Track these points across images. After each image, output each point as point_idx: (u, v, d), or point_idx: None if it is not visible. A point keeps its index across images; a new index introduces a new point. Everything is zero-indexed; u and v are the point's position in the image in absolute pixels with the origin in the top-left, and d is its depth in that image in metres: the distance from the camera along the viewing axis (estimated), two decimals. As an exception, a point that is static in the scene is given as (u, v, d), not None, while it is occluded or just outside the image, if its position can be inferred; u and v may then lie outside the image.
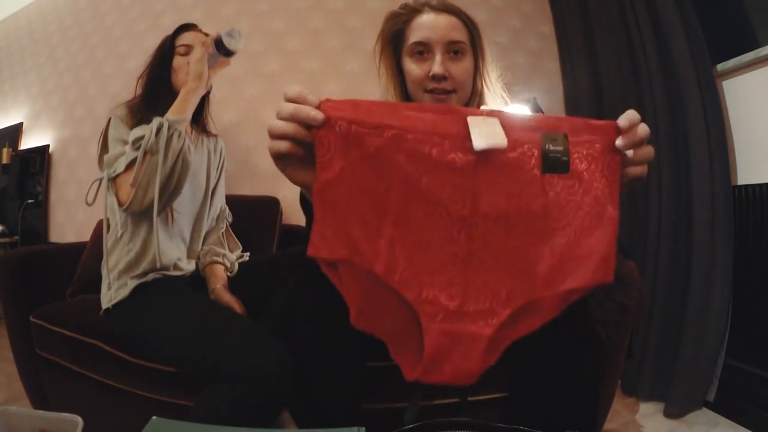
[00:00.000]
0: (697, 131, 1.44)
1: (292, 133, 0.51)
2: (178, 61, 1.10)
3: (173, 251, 1.04)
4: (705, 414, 1.41)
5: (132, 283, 0.94)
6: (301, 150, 0.52)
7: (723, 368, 1.42)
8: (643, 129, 0.53)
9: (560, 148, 0.51)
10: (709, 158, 1.42)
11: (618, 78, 1.74)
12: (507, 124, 0.52)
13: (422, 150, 0.51)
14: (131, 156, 0.90)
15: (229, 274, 1.11)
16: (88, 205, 0.95)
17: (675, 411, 1.40)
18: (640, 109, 1.69)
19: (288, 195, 1.83)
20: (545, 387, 0.78)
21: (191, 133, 1.14)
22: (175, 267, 1.04)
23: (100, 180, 0.95)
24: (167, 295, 0.94)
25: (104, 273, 0.99)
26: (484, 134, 0.50)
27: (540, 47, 2.07)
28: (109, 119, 1.03)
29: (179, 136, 0.91)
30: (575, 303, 0.75)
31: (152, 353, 0.92)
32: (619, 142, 0.52)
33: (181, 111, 0.96)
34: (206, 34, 1.14)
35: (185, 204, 1.08)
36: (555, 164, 0.51)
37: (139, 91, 1.11)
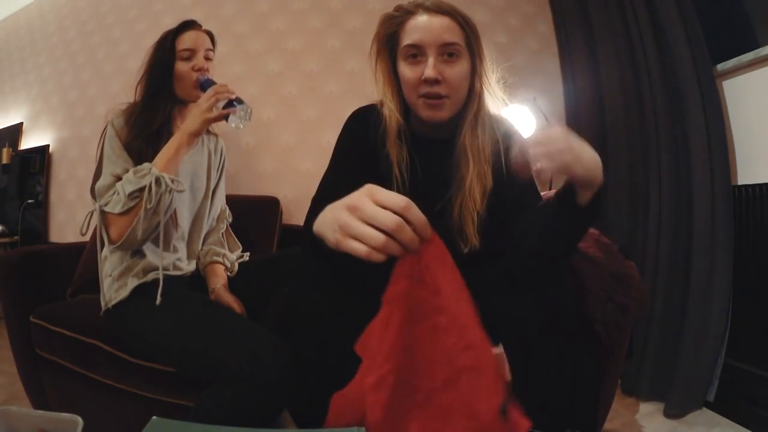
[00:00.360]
0: (697, 131, 1.44)
1: (393, 251, 0.51)
2: (180, 67, 1.05)
3: (170, 254, 1.04)
4: (705, 414, 1.41)
5: (132, 284, 0.94)
6: (381, 258, 0.51)
7: (723, 368, 1.42)
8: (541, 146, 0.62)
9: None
10: (709, 158, 1.42)
11: (618, 78, 1.74)
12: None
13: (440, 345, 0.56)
14: (127, 205, 0.90)
15: (229, 274, 1.11)
16: (82, 235, 1.00)
17: (675, 411, 1.40)
18: (640, 109, 1.69)
19: (288, 195, 1.84)
20: (545, 387, 0.78)
21: None
22: (175, 267, 1.04)
23: (92, 213, 0.96)
24: (167, 295, 0.94)
25: (103, 274, 0.99)
26: None
27: (540, 47, 2.08)
28: (106, 126, 1.02)
29: (170, 192, 0.93)
30: (575, 303, 0.75)
31: (152, 353, 0.92)
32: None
33: (172, 169, 0.94)
34: (208, 33, 1.12)
35: (185, 204, 1.08)
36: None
37: (138, 97, 1.07)
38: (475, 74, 0.88)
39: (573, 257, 0.97)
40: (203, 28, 1.13)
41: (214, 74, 1.13)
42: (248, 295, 1.04)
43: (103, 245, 0.96)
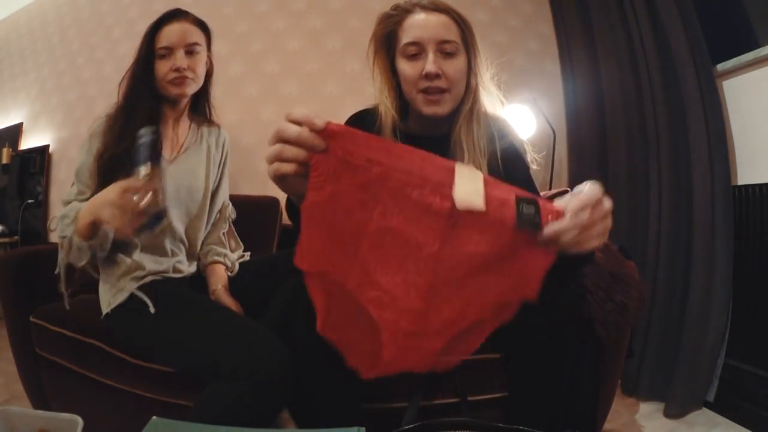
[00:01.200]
0: (697, 131, 1.44)
1: (301, 159, 0.52)
2: (159, 67, 1.00)
3: (169, 258, 1.02)
4: (705, 414, 1.41)
5: (130, 287, 0.94)
6: (303, 170, 0.53)
7: (723, 368, 1.42)
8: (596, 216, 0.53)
9: (533, 212, 0.55)
10: (709, 158, 1.42)
11: (618, 78, 1.74)
12: (487, 180, 0.56)
13: (404, 190, 0.55)
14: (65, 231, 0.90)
15: (229, 273, 1.11)
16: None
17: (675, 411, 1.40)
18: (640, 110, 1.69)
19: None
20: (545, 387, 0.78)
21: (189, 128, 1.11)
22: (175, 269, 1.03)
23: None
24: (166, 296, 0.93)
25: (102, 278, 0.99)
26: (467, 192, 0.54)
27: (540, 48, 2.07)
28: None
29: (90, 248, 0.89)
30: (575, 303, 0.75)
31: (151, 354, 0.92)
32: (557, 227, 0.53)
33: (93, 233, 0.87)
34: (198, 22, 1.05)
35: (181, 208, 1.06)
36: (528, 222, 0.54)
37: (120, 98, 1.02)
38: (470, 71, 0.89)
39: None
40: (192, 16, 1.05)
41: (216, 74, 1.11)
42: (248, 296, 1.04)
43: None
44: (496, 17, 2.05)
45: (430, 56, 0.83)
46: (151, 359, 0.93)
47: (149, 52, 0.99)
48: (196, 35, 1.03)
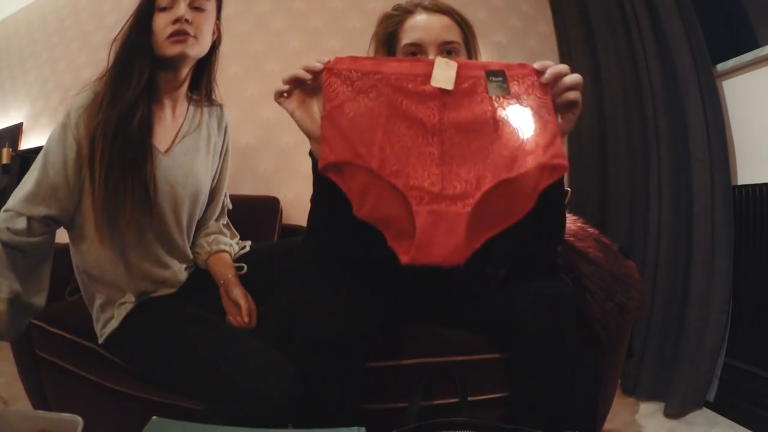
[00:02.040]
0: (697, 131, 1.44)
1: (299, 75, 0.72)
2: (156, 21, 0.85)
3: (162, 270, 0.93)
4: (705, 414, 1.41)
5: (119, 314, 0.86)
6: (308, 81, 0.73)
7: (723, 368, 1.42)
8: (561, 69, 0.69)
9: (500, 79, 0.70)
10: (709, 158, 1.42)
11: (618, 78, 1.74)
12: (462, 67, 0.71)
13: (402, 84, 0.70)
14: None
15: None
16: None
17: (675, 411, 1.40)
18: (640, 109, 1.69)
19: (288, 195, 1.83)
20: (545, 387, 0.78)
21: (187, 110, 0.97)
22: (168, 283, 0.93)
23: None
24: (161, 318, 0.87)
25: (87, 303, 0.92)
26: (440, 77, 0.70)
27: (540, 47, 2.07)
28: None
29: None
30: (575, 303, 0.75)
31: (153, 378, 0.89)
32: (544, 78, 0.69)
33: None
34: None
35: (178, 206, 0.92)
36: (497, 89, 0.70)
37: (112, 59, 0.86)
38: None
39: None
40: None
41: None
42: (249, 284, 0.97)
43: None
44: (496, 17, 2.05)
45: (431, 58, 0.83)
46: (153, 381, 0.90)
47: (149, 6, 0.85)
48: None
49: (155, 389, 0.94)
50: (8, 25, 2.99)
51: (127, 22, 0.88)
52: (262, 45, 2.00)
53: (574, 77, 0.69)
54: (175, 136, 0.93)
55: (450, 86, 0.69)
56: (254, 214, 1.55)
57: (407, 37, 0.85)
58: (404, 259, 0.67)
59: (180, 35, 0.84)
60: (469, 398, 0.88)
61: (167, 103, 0.92)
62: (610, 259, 0.99)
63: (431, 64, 0.71)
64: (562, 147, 0.68)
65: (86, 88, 0.86)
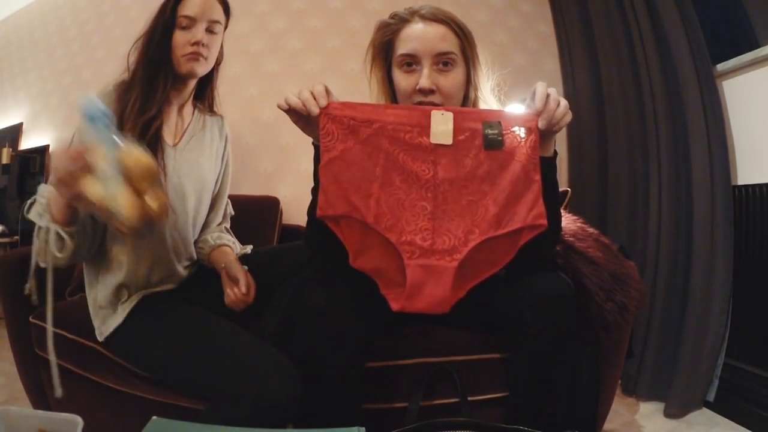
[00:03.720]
0: (697, 131, 1.44)
1: (299, 109, 0.73)
2: (176, 37, 0.91)
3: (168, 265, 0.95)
4: (705, 414, 1.41)
5: (122, 311, 0.88)
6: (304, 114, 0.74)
7: (723, 368, 1.42)
8: (554, 102, 0.74)
9: (496, 132, 0.72)
10: (709, 158, 1.42)
11: (618, 78, 1.74)
12: (458, 116, 0.74)
13: (399, 136, 0.73)
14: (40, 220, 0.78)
15: None
16: None
17: (675, 411, 1.40)
18: (640, 109, 1.69)
19: (288, 195, 1.83)
20: (545, 387, 0.78)
21: (192, 114, 1.03)
22: (174, 277, 0.97)
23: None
24: (162, 315, 0.88)
25: (89, 301, 0.93)
26: (438, 132, 0.73)
27: (539, 47, 2.07)
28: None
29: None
30: (575, 303, 0.75)
31: (154, 376, 0.89)
32: (540, 123, 0.74)
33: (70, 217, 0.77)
34: (224, 2, 1.00)
35: (187, 197, 0.97)
36: (493, 142, 0.72)
37: (134, 67, 0.92)
38: (469, 83, 0.88)
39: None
40: None
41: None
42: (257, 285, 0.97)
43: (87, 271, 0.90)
44: (496, 17, 2.05)
45: (425, 71, 0.81)
46: (154, 378, 0.90)
47: (170, 20, 0.91)
48: (218, 13, 0.97)
49: (155, 389, 0.94)
50: (8, 25, 2.99)
51: (146, 33, 0.93)
52: (262, 45, 2.00)
53: (563, 107, 0.74)
54: (183, 134, 0.99)
55: (449, 141, 0.72)
56: (254, 214, 1.55)
57: (402, 48, 0.84)
58: (394, 306, 0.72)
59: (194, 55, 0.92)
60: (469, 398, 0.88)
61: (175, 105, 0.99)
62: (610, 259, 0.99)
63: (428, 114, 0.73)
64: (543, 207, 0.72)
65: (108, 87, 0.94)
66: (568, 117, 0.75)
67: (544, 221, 0.71)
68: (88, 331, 0.97)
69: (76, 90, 2.37)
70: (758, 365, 1.36)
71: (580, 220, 1.11)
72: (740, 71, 1.48)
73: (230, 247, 1.04)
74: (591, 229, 1.07)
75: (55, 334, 1.03)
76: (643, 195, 1.64)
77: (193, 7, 0.91)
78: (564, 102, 0.74)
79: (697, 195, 1.44)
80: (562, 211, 1.01)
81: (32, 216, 0.80)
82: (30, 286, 0.85)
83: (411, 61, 0.83)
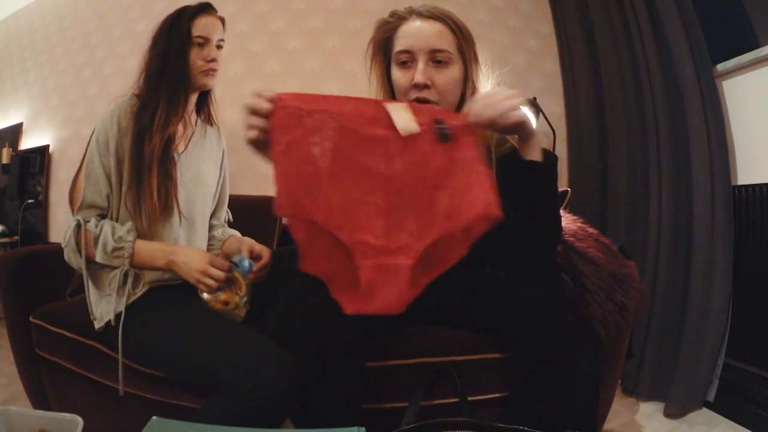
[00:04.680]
0: (697, 131, 1.44)
1: (261, 125, 0.68)
2: (194, 54, 0.98)
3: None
4: (705, 414, 1.41)
5: (128, 298, 0.91)
6: (266, 137, 0.67)
7: (723, 368, 1.42)
8: (498, 97, 0.70)
9: (445, 126, 0.70)
10: (709, 158, 1.42)
11: (618, 78, 1.74)
12: (413, 108, 0.71)
13: (349, 127, 0.68)
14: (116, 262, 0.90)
15: None
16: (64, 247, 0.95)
17: (675, 411, 1.40)
18: (640, 109, 1.69)
19: (288, 195, 1.83)
20: (545, 386, 0.78)
21: (195, 123, 1.09)
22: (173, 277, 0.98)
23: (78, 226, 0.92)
24: (165, 307, 0.90)
25: (92, 289, 0.95)
26: (404, 121, 0.69)
27: (539, 47, 2.07)
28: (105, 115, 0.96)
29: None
30: (575, 303, 0.75)
31: (152, 365, 0.90)
32: (471, 117, 0.70)
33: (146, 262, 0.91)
34: (221, 19, 1.05)
35: (196, 198, 1.04)
36: (442, 136, 0.70)
37: (151, 83, 0.98)
38: (466, 80, 0.88)
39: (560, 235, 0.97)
40: (218, 14, 1.06)
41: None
42: (253, 289, 1.00)
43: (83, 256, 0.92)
44: (496, 17, 2.05)
45: (420, 66, 0.82)
46: (152, 368, 0.91)
47: (187, 39, 0.98)
48: (221, 31, 1.05)
49: (155, 389, 0.94)
50: (8, 25, 2.99)
51: (160, 51, 0.98)
52: (262, 45, 2.00)
53: (505, 105, 0.69)
54: (188, 143, 1.06)
55: (417, 128, 0.69)
56: (254, 214, 1.54)
57: (399, 44, 0.85)
58: (348, 309, 0.68)
59: (211, 71, 1.01)
60: (469, 398, 0.88)
61: (182, 116, 1.04)
62: (610, 259, 0.99)
63: (378, 105, 0.71)
64: (494, 196, 0.68)
65: (123, 103, 0.98)
66: (514, 115, 0.69)
67: (496, 211, 0.67)
68: (89, 330, 0.97)
69: (76, 90, 2.37)
70: (758, 365, 1.36)
71: (580, 220, 1.11)
72: (740, 71, 1.48)
73: (237, 234, 1.14)
74: (591, 229, 1.07)
75: (55, 333, 1.04)
76: (643, 195, 1.64)
77: (205, 28, 1.00)
78: (512, 101, 0.70)
79: (697, 195, 1.44)
80: (562, 211, 1.01)
81: (98, 256, 0.91)
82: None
83: (407, 59, 0.84)
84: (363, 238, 0.66)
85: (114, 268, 0.93)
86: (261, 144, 0.68)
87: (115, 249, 0.90)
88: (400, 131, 0.68)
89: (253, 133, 0.68)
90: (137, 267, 0.92)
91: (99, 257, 0.90)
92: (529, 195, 0.78)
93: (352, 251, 0.66)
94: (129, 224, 0.92)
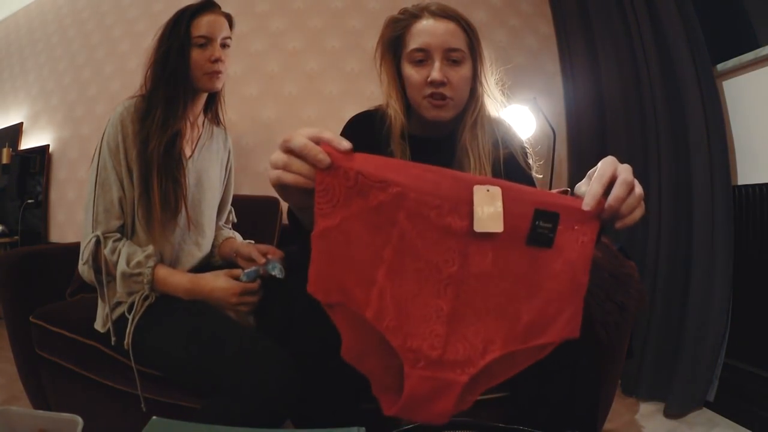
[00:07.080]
0: (697, 131, 1.44)
1: (305, 174, 0.51)
2: (195, 56, 0.96)
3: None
4: (705, 414, 1.41)
5: (128, 302, 0.91)
6: (305, 184, 0.51)
7: (723, 368, 1.42)
8: (623, 189, 0.54)
9: (549, 226, 0.54)
10: (709, 158, 1.42)
11: (618, 78, 1.74)
12: (506, 194, 0.54)
13: (422, 211, 0.54)
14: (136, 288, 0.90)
15: None
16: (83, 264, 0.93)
17: (675, 411, 1.40)
18: (640, 109, 1.69)
19: (288, 195, 1.83)
20: (545, 387, 0.78)
21: (203, 125, 1.09)
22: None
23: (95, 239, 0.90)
24: (166, 309, 0.90)
25: (99, 293, 0.95)
26: (485, 217, 0.53)
27: (540, 47, 2.08)
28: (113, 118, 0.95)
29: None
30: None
31: (153, 367, 0.90)
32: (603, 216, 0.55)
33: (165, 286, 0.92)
34: (227, 15, 1.04)
35: (203, 201, 1.05)
36: (540, 239, 0.54)
37: (150, 85, 0.96)
38: (476, 77, 0.90)
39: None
40: (222, 10, 1.03)
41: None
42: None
43: (100, 271, 0.91)
44: (496, 17, 2.05)
45: (437, 64, 0.84)
46: (152, 369, 0.92)
47: (186, 39, 0.95)
48: (227, 29, 1.02)
49: (155, 389, 0.94)
50: (8, 25, 2.99)
51: (160, 52, 0.96)
52: (262, 45, 2.00)
53: (635, 197, 0.55)
54: (195, 145, 1.05)
55: (500, 227, 0.53)
56: (254, 214, 1.55)
57: (414, 42, 0.86)
58: (388, 411, 0.59)
59: (215, 73, 0.97)
60: (469, 398, 0.87)
61: (190, 118, 1.04)
62: (610, 259, 0.99)
63: (464, 184, 0.54)
64: (580, 319, 0.56)
65: (129, 107, 0.95)
66: (639, 211, 0.56)
67: (577, 334, 0.56)
68: (89, 330, 0.97)
69: (76, 90, 2.37)
70: (758, 365, 1.36)
71: (580, 220, 1.10)
72: (740, 71, 1.48)
73: (233, 237, 1.13)
74: (591, 229, 1.07)
75: (55, 333, 1.04)
76: (644, 195, 1.63)
77: (207, 27, 0.96)
78: (639, 190, 0.55)
79: (697, 195, 1.44)
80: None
81: (119, 287, 0.90)
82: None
83: (422, 56, 0.85)
84: (417, 345, 0.55)
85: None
86: (293, 190, 0.53)
87: (132, 275, 0.89)
88: (475, 226, 0.53)
89: (290, 178, 0.52)
90: (158, 293, 0.92)
91: (119, 285, 0.90)
92: None
93: (402, 357, 0.56)
94: (150, 248, 0.91)
